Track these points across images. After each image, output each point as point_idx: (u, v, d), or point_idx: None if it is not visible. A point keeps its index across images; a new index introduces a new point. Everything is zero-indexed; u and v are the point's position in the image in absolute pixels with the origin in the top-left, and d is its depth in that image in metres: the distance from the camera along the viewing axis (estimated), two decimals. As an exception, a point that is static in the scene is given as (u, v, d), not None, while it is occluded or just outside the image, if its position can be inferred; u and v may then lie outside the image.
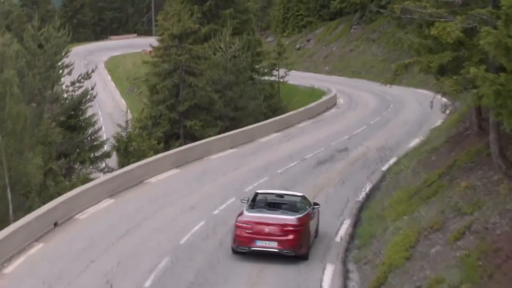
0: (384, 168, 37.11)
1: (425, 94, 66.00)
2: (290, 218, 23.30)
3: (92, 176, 45.25)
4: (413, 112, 54.93)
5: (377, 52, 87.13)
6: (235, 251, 23.60)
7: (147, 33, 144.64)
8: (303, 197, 25.51)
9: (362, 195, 32.19)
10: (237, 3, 66.94)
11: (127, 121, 46.75)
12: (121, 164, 45.08)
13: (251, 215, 23.57)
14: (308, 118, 53.71)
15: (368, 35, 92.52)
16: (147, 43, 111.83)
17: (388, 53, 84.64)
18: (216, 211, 29.06)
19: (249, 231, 23.01)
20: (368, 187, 33.47)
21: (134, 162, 44.06)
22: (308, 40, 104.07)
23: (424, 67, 22.96)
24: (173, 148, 52.31)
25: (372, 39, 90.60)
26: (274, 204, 24.89)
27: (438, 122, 48.94)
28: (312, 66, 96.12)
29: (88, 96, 46.52)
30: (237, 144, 43.29)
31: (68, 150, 44.60)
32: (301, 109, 54.90)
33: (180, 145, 52.45)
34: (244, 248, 23.24)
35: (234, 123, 56.46)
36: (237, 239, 23.28)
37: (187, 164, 38.25)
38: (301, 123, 51.75)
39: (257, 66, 66.75)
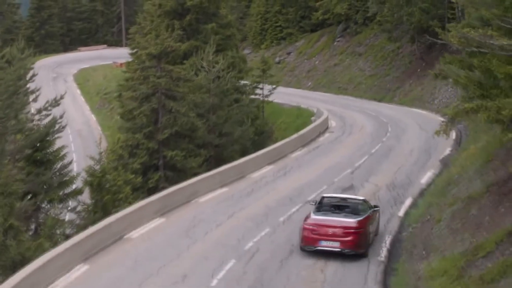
0: (401, 213, 32.13)
1: (422, 114, 61.59)
2: (351, 221, 25.97)
3: (61, 217, 39.73)
4: (416, 137, 50.04)
5: (364, 66, 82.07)
6: (302, 249, 26.24)
7: (117, 43, 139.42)
8: (364, 200, 28.31)
9: (383, 252, 27.17)
10: (219, 17, 61.32)
11: (100, 153, 41.02)
12: (95, 201, 39.78)
13: (317, 218, 26.27)
14: (302, 146, 48.38)
15: (353, 48, 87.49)
16: (118, 54, 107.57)
17: (376, 68, 79.71)
18: (214, 282, 23.67)
19: (315, 233, 25.77)
20: (388, 241, 28.47)
21: (109, 199, 38.93)
22: (289, 53, 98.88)
23: (492, 115, 17.54)
24: (152, 180, 47.22)
25: (358, 53, 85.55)
26: (338, 207, 27.37)
27: (447, 151, 44.23)
28: (294, 81, 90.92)
29: (57, 126, 40.74)
30: (227, 182, 37.90)
31: (34, 188, 38.96)
32: (294, 136, 49.31)
33: (160, 177, 47.29)
34: (310, 247, 25.95)
35: (219, 151, 51.42)
36: (304, 239, 26.11)
37: (173, 210, 32.70)
38: (294, 152, 46.39)
39: (240, 83, 61.47)
